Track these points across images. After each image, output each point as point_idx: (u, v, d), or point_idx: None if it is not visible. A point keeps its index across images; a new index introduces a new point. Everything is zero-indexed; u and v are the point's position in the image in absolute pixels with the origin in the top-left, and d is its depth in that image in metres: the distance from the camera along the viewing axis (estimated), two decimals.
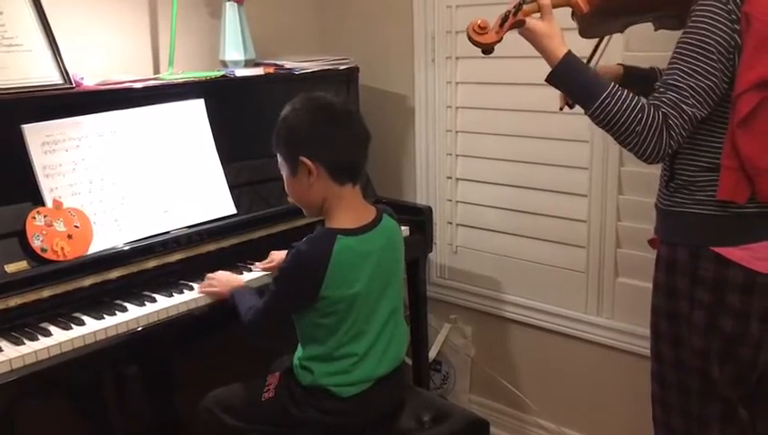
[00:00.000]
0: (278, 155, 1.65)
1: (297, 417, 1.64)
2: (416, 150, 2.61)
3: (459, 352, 2.64)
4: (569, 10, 1.59)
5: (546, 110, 2.22)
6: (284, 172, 1.65)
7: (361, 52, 2.59)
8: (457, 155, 2.52)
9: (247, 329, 1.69)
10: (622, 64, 1.78)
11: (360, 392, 1.64)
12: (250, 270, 1.96)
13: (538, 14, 1.51)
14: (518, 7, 1.49)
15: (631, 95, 1.44)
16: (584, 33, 1.67)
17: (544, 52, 1.50)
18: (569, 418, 2.41)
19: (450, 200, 2.56)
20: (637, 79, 1.72)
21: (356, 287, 1.58)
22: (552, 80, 1.51)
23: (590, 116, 1.48)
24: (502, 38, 1.51)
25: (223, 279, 1.83)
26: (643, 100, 1.44)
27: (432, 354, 2.60)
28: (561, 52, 1.48)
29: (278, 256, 1.94)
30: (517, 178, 2.37)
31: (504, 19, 1.50)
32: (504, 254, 2.46)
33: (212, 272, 1.89)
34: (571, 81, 1.49)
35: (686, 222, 1.51)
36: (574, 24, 1.65)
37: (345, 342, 1.61)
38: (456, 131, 2.50)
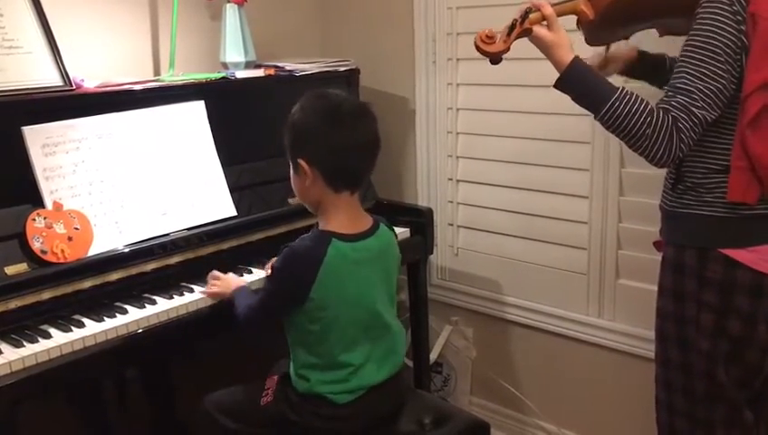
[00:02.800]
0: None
1: (295, 421, 1.64)
2: (416, 152, 2.61)
3: (460, 354, 2.63)
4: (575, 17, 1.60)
5: (547, 111, 2.22)
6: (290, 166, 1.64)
7: (362, 53, 2.58)
8: (458, 157, 2.51)
9: (242, 326, 1.69)
10: (637, 47, 1.76)
11: (358, 398, 1.63)
12: (251, 272, 1.95)
13: (545, 22, 1.52)
14: (524, 16, 1.50)
15: (640, 99, 1.44)
16: (590, 40, 1.67)
17: (552, 60, 1.51)
18: (570, 420, 2.41)
19: (451, 202, 2.56)
20: (648, 63, 1.72)
21: (346, 294, 1.57)
22: (560, 86, 1.51)
23: (599, 120, 1.48)
24: (509, 47, 1.52)
25: (226, 281, 1.82)
26: (652, 103, 1.44)
27: (433, 356, 2.60)
28: (568, 58, 1.48)
29: None
30: (518, 180, 2.37)
31: (511, 28, 1.51)
32: (505, 256, 2.45)
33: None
34: (579, 86, 1.49)
35: (693, 224, 1.51)
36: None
37: (339, 351, 1.59)
38: (457, 133, 2.50)
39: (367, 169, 1.63)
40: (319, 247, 1.55)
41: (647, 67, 1.73)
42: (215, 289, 1.81)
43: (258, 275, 1.94)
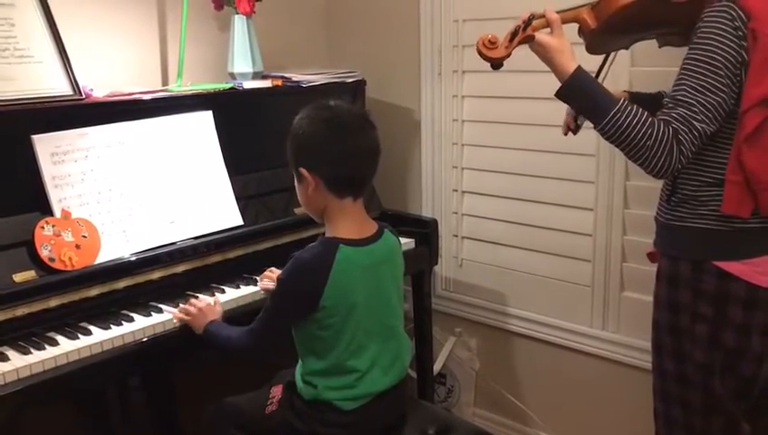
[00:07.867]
0: None
1: (301, 430, 1.64)
2: (422, 163, 2.62)
3: (464, 366, 2.63)
4: (576, 26, 1.61)
5: (552, 123, 2.22)
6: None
7: (368, 65, 2.60)
8: (463, 168, 2.52)
9: (243, 351, 1.67)
10: (627, 91, 1.78)
11: (362, 405, 1.63)
12: (255, 282, 1.95)
13: (548, 30, 1.53)
14: (528, 22, 1.51)
15: (641, 110, 1.44)
16: (591, 49, 1.68)
17: (554, 67, 1.51)
18: (573, 432, 2.40)
19: (456, 213, 2.57)
20: (643, 103, 1.70)
21: (355, 299, 1.57)
22: (561, 95, 1.52)
23: (600, 131, 1.48)
24: (510, 53, 1.53)
25: (199, 317, 1.74)
26: (653, 116, 1.44)
27: (437, 367, 2.60)
28: (571, 67, 1.48)
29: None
30: (523, 192, 2.37)
31: (514, 34, 1.52)
32: (509, 267, 2.46)
33: (217, 283, 1.92)
34: (581, 96, 1.50)
35: (688, 236, 1.52)
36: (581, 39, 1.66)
37: (347, 357, 1.60)
38: (462, 144, 2.51)
39: (368, 176, 1.64)
40: (327, 254, 1.55)
41: (641, 103, 1.68)
42: (184, 317, 1.75)
43: (254, 287, 1.93)
